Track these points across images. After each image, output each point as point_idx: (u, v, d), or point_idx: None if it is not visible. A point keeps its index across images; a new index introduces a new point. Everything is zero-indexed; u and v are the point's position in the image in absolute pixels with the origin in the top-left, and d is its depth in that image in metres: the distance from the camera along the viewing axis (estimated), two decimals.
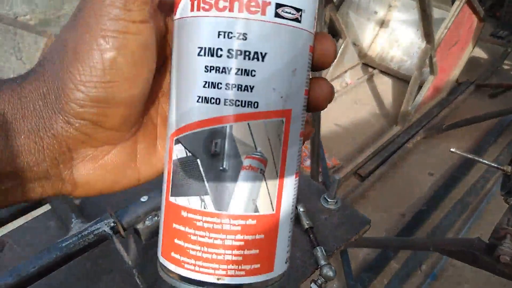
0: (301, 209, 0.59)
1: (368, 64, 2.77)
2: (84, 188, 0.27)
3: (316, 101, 0.27)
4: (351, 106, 2.50)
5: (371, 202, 2.00)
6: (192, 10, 0.24)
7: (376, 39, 2.74)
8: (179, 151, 0.25)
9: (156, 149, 0.29)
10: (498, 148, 2.29)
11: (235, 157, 0.24)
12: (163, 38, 0.28)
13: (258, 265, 0.25)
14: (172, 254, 0.26)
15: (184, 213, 0.25)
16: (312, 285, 0.48)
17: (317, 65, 0.27)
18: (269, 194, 0.25)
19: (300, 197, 0.67)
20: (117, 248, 0.47)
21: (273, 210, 0.26)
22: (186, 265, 0.25)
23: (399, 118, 2.30)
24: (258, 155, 0.25)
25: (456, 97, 2.58)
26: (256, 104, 0.24)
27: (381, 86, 2.66)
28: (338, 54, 2.58)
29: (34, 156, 0.25)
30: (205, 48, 0.24)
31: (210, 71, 0.24)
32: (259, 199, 0.25)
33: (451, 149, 1.03)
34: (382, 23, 2.71)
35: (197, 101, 0.24)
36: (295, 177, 0.27)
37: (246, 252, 0.25)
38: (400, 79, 2.65)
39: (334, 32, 2.40)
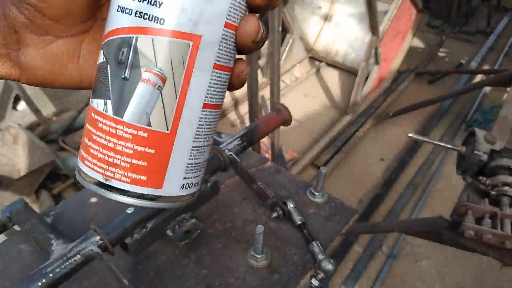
0: (291, 205, 0.59)
1: (315, 58, 2.84)
2: (29, 73, 0.29)
3: (241, 39, 0.28)
4: (302, 99, 2.55)
5: (329, 190, 2.05)
6: None
7: (321, 33, 2.81)
8: (100, 56, 0.27)
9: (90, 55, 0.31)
10: (442, 130, 2.44)
11: (135, 68, 0.26)
12: None
13: (145, 177, 0.27)
14: (81, 152, 0.28)
15: (93, 114, 0.27)
16: (313, 280, 0.49)
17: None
18: (164, 112, 0.26)
19: (287, 194, 0.68)
20: (107, 266, 0.44)
21: (167, 129, 0.27)
22: (85, 162, 0.27)
23: (349, 108, 2.38)
24: (157, 71, 0.25)
25: (399, 85, 2.71)
26: (162, 20, 0.25)
27: (328, 78, 2.73)
28: (287, 49, 2.62)
29: None
30: None
31: None
32: (153, 115, 0.26)
33: (409, 134, 1.08)
34: (326, 17, 2.78)
35: (117, 10, 0.26)
36: (204, 107, 0.28)
37: (133, 161, 0.26)
38: (346, 71, 2.73)
39: (282, 27, 2.44)
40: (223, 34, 0.27)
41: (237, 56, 0.30)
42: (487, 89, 2.74)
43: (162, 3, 0.25)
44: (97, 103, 0.27)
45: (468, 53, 3.24)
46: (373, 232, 1.53)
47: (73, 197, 0.67)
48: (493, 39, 3.42)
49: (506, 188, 0.94)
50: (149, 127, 0.26)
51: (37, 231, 0.49)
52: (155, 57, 0.26)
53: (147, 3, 0.25)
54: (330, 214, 0.63)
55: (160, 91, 0.26)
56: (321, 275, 0.49)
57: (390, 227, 1.23)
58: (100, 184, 0.27)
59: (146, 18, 0.25)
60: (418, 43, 3.24)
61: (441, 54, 3.24)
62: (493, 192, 0.95)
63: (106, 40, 0.27)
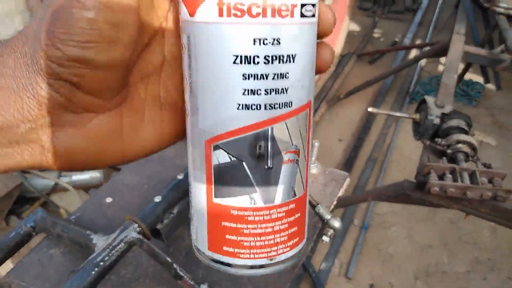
0: None
1: None
2: (66, 159, 0.26)
3: (321, 66, 0.28)
4: None
5: None
6: (221, 15, 0.24)
7: None
8: (220, 157, 0.26)
9: (143, 128, 0.29)
10: (389, 105, 2.59)
11: (277, 154, 0.26)
12: (150, 8, 0.26)
13: (297, 238, 0.29)
14: (225, 248, 0.28)
15: (234, 212, 0.27)
16: (324, 237, 0.55)
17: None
18: (301, 178, 0.28)
19: None
20: (148, 250, 0.49)
21: (303, 190, 0.29)
22: (241, 255, 0.27)
23: None
24: (293, 148, 0.27)
25: (343, 68, 2.85)
26: (290, 103, 0.26)
27: None
28: None
29: (13, 116, 0.24)
30: (241, 56, 0.24)
31: (249, 79, 0.24)
32: (296, 185, 0.27)
33: (369, 109, 1.17)
34: None
35: (238, 109, 0.25)
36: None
37: (290, 231, 0.28)
38: None
39: None
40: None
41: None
42: (422, 62, 2.94)
43: (287, 88, 0.25)
44: (238, 200, 0.27)
45: (400, 31, 3.44)
46: (350, 203, 1.64)
47: (88, 201, 0.72)
48: (421, 15, 3.65)
49: (460, 145, 1.06)
50: (295, 197, 0.28)
51: (71, 232, 0.53)
52: (290, 138, 0.26)
53: (275, 93, 0.25)
54: (326, 181, 0.70)
55: (298, 163, 0.27)
56: (330, 232, 0.56)
57: (363, 197, 1.33)
58: (266, 265, 0.28)
59: (277, 108, 0.25)
60: (354, 26, 3.41)
61: (376, 35, 3.42)
62: (449, 151, 1.07)
63: (224, 141, 0.26)
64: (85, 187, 1.58)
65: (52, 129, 0.25)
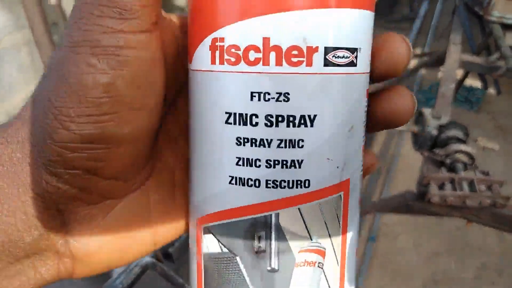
0: None
1: None
2: (87, 262, 0.21)
3: (396, 117, 0.21)
4: None
5: None
6: (213, 62, 0.19)
7: None
8: (210, 243, 0.20)
9: (175, 201, 0.23)
10: None
11: (285, 253, 0.19)
12: (175, 54, 0.22)
13: None
14: None
15: None
16: None
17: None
18: (328, 285, 0.20)
19: None
20: (161, 273, 0.53)
21: None
22: None
23: None
24: (314, 246, 0.20)
25: None
26: (307, 182, 0.19)
27: None
28: None
29: (16, 227, 0.19)
30: (234, 114, 0.19)
31: (244, 144, 0.19)
32: None
33: None
34: None
35: (230, 183, 0.19)
36: (356, 256, 0.22)
37: None
38: None
39: None
40: (361, 162, 0.22)
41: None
42: (422, 70, 2.97)
43: (302, 160, 0.19)
44: None
45: None
46: None
47: None
48: (419, 24, 3.69)
49: (458, 155, 1.09)
50: None
51: None
52: (307, 230, 0.19)
53: (281, 167, 0.19)
54: None
55: (322, 267, 0.20)
56: None
57: (367, 210, 1.36)
58: None
59: (284, 187, 0.19)
60: None
61: None
62: (447, 161, 1.10)
63: (215, 224, 0.20)
64: None
65: (66, 229, 0.20)
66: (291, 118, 0.18)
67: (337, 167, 0.20)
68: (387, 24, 3.72)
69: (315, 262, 0.20)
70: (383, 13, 3.79)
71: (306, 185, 0.19)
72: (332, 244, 0.20)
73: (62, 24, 1.80)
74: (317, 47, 0.18)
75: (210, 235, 0.20)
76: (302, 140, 0.19)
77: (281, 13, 0.17)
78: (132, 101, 0.19)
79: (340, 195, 0.20)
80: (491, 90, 2.77)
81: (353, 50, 0.19)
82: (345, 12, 0.18)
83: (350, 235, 0.21)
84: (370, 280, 1.64)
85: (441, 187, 1.03)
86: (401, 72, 0.21)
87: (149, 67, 0.19)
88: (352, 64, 0.19)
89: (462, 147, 1.07)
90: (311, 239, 0.20)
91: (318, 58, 0.18)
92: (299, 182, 0.19)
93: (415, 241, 1.81)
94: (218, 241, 0.20)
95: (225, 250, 0.20)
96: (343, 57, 0.19)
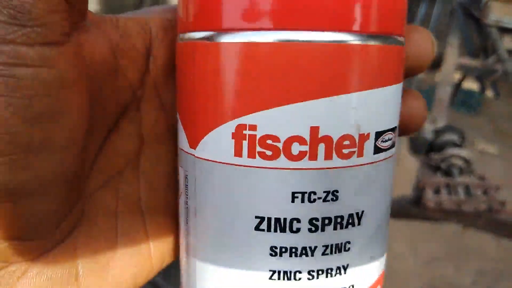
0: None
1: None
2: None
3: (413, 121, 0.20)
4: None
5: None
6: (239, 155, 0.15)
7: None
8: None
9: (115, 258, 0.18)
10: None
11: None
12: (113, 68, 0.16)
13: None
14: None
15: None
16: None
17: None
18: None
19: None
20: (153, 281, 0.52)
21: None
22: None
23: None
24: None
25: None
26: (351, 287, 0.16)
27: None
28: None
29: None
30: (269, 219, 0.15)
31: (281, 255, 0.15)
32: None
33: None
34: None
35: None
36: None
37: None
38: None
39: None
40: None
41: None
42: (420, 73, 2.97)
43: (347, 265, 0.16)
44: None
45: None
46: None
47: None
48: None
49: (453, 159, 1.08)
50: None
51: None
52: None
53: (326, 276, 0.16)
54: None
55: None
56: None
57: None
58: None
59: None
60: None
61: None
62: (443, 165, 1.09)
63: None
64: None
65: None
66: (339, 219, 0.15)
67: (379, 262, 0.18)
68: None
69: None
70: None
71: None
72: None
73: None
74: (368, 134, 0.15)
75: None
76: (349, 243, 0.16)
77: (332, 97, 0.14)
78: (30, 140, 0.13)
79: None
80: (490, 94, 2.77)
81: (394, 130, 0.17)
82: (387, 90, 0.16)
83: None
84: None
85: (436, 192, 1.02)
86: (427, 66, 0.19)
87: (53, 92, 0.13)
88: (393, 145, 0.17)
89: (458, 151, 1.06)
90: None
91: (370, 146, 0.16)
92: None
93: (412, 247, 1.80)
94: None
95: None
96: (388, 140, 0.16)
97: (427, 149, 1.14)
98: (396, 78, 0.16)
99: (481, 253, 1.75)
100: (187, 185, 0.17)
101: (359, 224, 0.16)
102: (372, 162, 0.16)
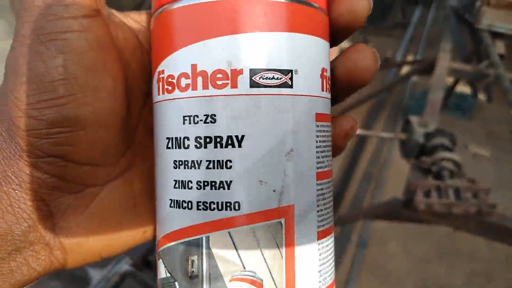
0: None
1: None
2: (77, 252, 0.21)
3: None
4: None
5: None
6: (158, 93, 0.20)
7: None
8: (161, 269, 0.20)
9: None
10: (382, 121, 2.63)
11: (216, 279, 0.18)
12: (135, 46, 0.23)
13: None
14: None
15: None
16: None
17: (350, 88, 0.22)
18: None
19: None
20: (145, 282, 0.53)
21: None
22: None
23: None
24: (247, 275, 0.18)
25: None
26: (237, 205, 0.18)
27: None
28: None
29: (3, 221, 0.19)
30: (171, 138, 0.20)
31: (179, 167, 0.19)
32: None
33: (357, 131, 1.21)
34: None
35: (170, 206, 0.20)
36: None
37: None
38: None
39: None
40: (317, 188, 0.21)
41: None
42: (415, 77, 3.00)
43: (231, 181, 0.18)
44: None
45: (391, 47, 3.51)
46: (342, 222, 1.66)
47: None
48: (411, 31, 3.72)
49: (444, 162, 1.09)
50: None
51: None
52: (239, 258, 0.18)
53: (210, 188, 0.18)
54: None
55: None
56: None
57: (355, 216, 1.36)
58: None
59: (213, 209, 0.18)
60: (345, 44, 3.47)
61: None
62: (434, 168, 1.10)
63: (162, 248, 0.20)
64: None
65: (53, 221, 0.21)
66: (217, 139, 0.19)
67: (273, 190, 0.19)
68: (379, 31, 3.74)
69: None
70: (376, 20, 3.82)
71: (236, 208, 0.18)
72: (271, 276, 0.19)
73: None
74: (241, 70, 0.18)
75: (160, 261, 0.21)
76: (230, 161, 0.18)
77: (206, 40, 0.18)
78: (86, 83, 0.19)
79: (280, 221, 0.19)
80: (482, 98, 2.80)
81: (286, 72, 0.19)
82: (275, 36, 0.19)
83: (300, 267, 0.19)
84: (360, 286, 1.64)
85: (427, 194, 1.04)
86: (369, 80, 0.21)
87: (95, 49, 0.20)
88: (286, 85, 0.19)
89: (449, 155, 1.08)
90: (244, 267, 0.18)
91: (243, 80, 0.18)
92: (228, 204, 0.19)
93: (405, 247, 1.82)
94: (164, 265, 0.20)
95: (168, 275, 0.20)
96: (273, 78, 0.18)
97: (418, 152, 1.16)
98: (285, 28, 0.19)
99: (472, 255, 1.77)
100: None
101: (239, 146, 0.18)
102: (249, 94, 0.18)
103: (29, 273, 0.20)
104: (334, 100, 0.23)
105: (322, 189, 0.21)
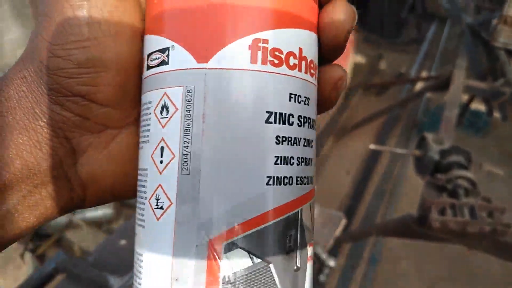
0: None
1: None
2: (95, 189, 0.23)
3: (323, 93, 0.23)
4: None
5: None
6: (254, 62, 0.19)
7: None
8: (235, 261, 0.18)
9: None
10: (395, 136, 2.62)
11: (303, 248, 0.20)
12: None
13: None
14: None
15: None
16: (320, 276, 0.58)
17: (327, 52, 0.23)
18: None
19: None
20: None
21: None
22: None
23: None
24: (313, 239, 0.21)
25: (350, 101, 2.90)
26: (311, 179, 0.21)
27: None
28: None
29: (32, 155, 0.21)
30: (275, 113, 0.19)
31: (282, 143, 0.19)
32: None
33: (371, 146, 1.21)
34: None
35: (268, 184, 0.19)
36: None
37: None
38: None
39: None
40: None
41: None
42: (429, 93, 2.98)
43: (311, 159, 0.21)
44: None
45: (406, 62, 3.50)
46: (354, 238, 1.65)
47: (104, 243, 0.77)
48: (426, 47, 3.71)
49: (459, 180, 1.08)
50: None
51: (91, 273, 0.59)
52: (312, 225, 0.21)
53: (304, 164, 0.20)
54: (324, 221, 0.74)
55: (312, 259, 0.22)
56: (326, 271, 0.59)
57: (367, 232, 1.35)
58: None
59: (306, 183, 0.20)
60: (359, 59, 3.48)
61: (382, 67, 3.48)
62: (449, 186, 1.09)
63: (247, 233, 0.18)
64: (98, 223, 1.62)
65: (75, 158, 0.22)
66: (310, 120, 0.21)
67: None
68: (394, 46, 3.74)
69: (312, 256, 0.21)
70: (391, 35, 3.82)
71: (312, 182, 0.21)
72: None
73: None
74: (311, 60, 0.21)
75: (238, 251, 0.18)
76: (312, 141, 0.21)
77: (311, 32, 0.21)
78: (108, 28, 0.21)
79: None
80: (497, 116, 2.77)
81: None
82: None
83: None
84: None
85: (442, 212, 1.03)
86: (344, 37, 0.22)
87: (117, 1, 0.21)
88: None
89: (464, 172, 1.07)
90: (313, 233, 0.21)
91: (313, 69, 0.22)
92: (310, 178, 0.21)
93: (417, 266, 1.79)
94: (250, 252, 0.18)
95: (257, 261, 0.18)
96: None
97: (433, 169, 1.15)
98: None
99: (486, 275, 1.74)
100: (189, 101, 0.19)
101: (314, 128, 0.22)
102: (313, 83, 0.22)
103: (52, 207, 0.22)
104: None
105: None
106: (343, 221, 0.71)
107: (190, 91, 0.19)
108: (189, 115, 0.19)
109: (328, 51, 0.23)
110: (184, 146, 0.19)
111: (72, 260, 0.65)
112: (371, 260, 1.78)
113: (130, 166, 0.23)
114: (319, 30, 0.22)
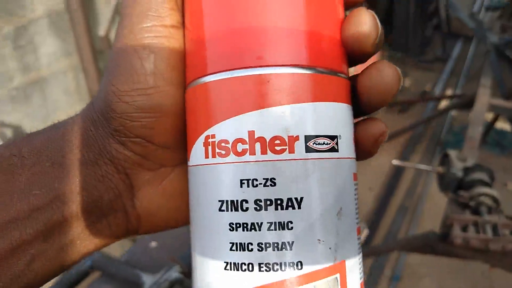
0: None
1: None
2: (149, 221, 0.25)
3: (363, 147, 0.24)
4: None
5: None
6: (206, 156, 0.21)
7: None
8: None
9: None
10: (419, 154, 2.62)
11: None
12: None
13: None
14: None
15: None
16: None
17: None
18: None
19: None
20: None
21: None
22: None
23: None
24: None
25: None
26: (299, 264, 0.19)
27: None
28: None
29: (96, 189, 0.23)
30: (226, 201, 0.20)
31: (236, 229, 0.20)
32: None
33: (393, 162, 1.24)
34: None
35: (225, 269, 0.20)
36: None
37: None
38: None
39: None
40: (357, 243, 0.22)
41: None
42: (453, 111, 2.97)
43: (293, 242, 0.19)
44: None
45: (430, 80, 3.50)
46: (376, 254, 1.66)
47: (135, 245, 0.82)
48: (451, 65, 3.70)
49: (482, 198, 1.10)
50: None
51: (125, 271, 0.63)
52: None
53: (273, 249, 0.19)
54: None
55: None
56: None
57: (390, 248, 1.36)
58: None
59: (277, 270, 0.19)
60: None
61: (406, 84, 3.48)
62: (472, 203, 1.11)
63: None
64: None
65: (133, 192, 0.24)
66: (278, 201, 0.20)
67: (329, 248, 0.20)
68: (419, 64, 3.75)
69: None
70: (416, 53, 3.83)
71: (299, 267, 0.19)
72: None
73: (107, 52, 1.92)
74: (297, 136, 0.20)
75: None
76: (291, 222, 0.19)
77: (263, 109, 0.20)
78: (170, 78, 0.23)
79: (336, 277, 0.20)
80: None
81: (333, 138, 0.21)
82: (322, 105, 0.21)
83: None
84: None
85: (464, 229, 1.04)
86: (391, 99, 0.23)
87: (178, 53, 0.23)
88: (334, 149, 0.21)
89: (487, 190, 1.08)
90: None
91: (299, 146, 0.20)
92: (291, 264, 0.19)
93: (439, 284, 1.78)
94: None
95: None
96: (324, 143, 0.20)
97: (456, 187, 1.16)
98: (330, 98, 0.21)
99: None
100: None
101: (299, 208, 0.19)
102: (305, 159, 0.20)
103: (109, 236, 0.24)
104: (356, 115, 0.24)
105: (359, 243, 0.22)
106: (366, 231, 0.74)
107: (188, 182, 0.23)
108: (189, 200, 0.23)
109: (355, 60, 0.24)
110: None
111: (106, 259, 0.69)
112: (393, 277, 1.78)
113: (181, 201, 0.25)
114: (344, 44, 0.22)
